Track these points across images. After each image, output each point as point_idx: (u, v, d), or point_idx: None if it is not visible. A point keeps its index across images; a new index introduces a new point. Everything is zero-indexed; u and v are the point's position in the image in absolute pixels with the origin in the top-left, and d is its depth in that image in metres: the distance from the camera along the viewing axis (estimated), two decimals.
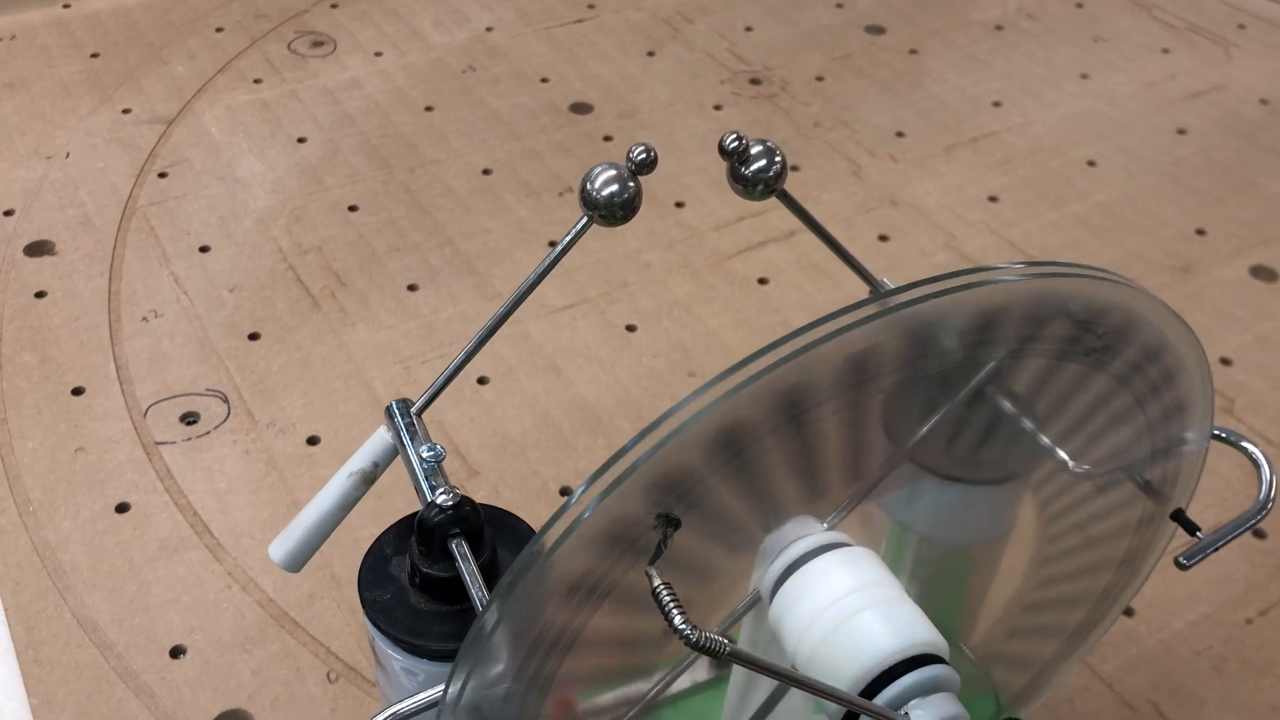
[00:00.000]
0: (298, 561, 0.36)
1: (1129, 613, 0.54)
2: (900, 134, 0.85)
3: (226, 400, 0.62)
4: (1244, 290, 0.73)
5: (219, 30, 0.91)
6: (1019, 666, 0.41)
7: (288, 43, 0.90)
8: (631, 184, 0.32)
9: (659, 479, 0.25)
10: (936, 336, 0.28)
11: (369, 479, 0.35)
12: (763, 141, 0.34)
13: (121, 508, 0.56)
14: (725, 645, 0.24)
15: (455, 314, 0.68)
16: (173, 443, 0.59)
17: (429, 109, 0.84)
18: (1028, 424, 0.33)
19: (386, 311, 0.68)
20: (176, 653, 0.50)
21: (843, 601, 0.30)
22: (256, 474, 0.58)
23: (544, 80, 0.88)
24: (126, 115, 0.82)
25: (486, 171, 0.79)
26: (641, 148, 0.32)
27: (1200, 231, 0.78)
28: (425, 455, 0.32)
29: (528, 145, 0.81)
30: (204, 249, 0.71)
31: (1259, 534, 0.58)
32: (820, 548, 0.31)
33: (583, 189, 0.32)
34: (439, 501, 0.30)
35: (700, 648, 0.24)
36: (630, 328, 0.67)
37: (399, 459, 0.34)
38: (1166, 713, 0.50)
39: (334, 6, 0.95)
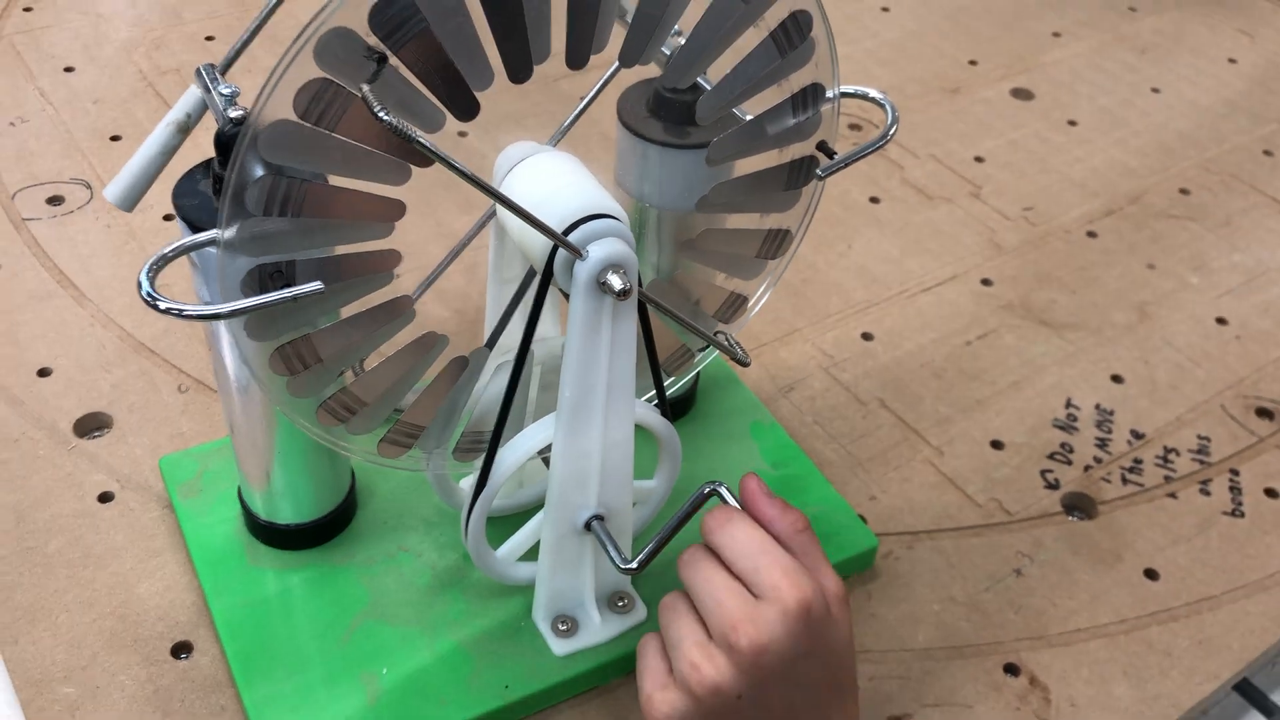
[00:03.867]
0: (129, 200, 0.43)
1: (868, 336, 0.65)
2: None
3: (90, 187, 0.69)
4: (1003, 106, 0.84)
5: None
6: (730, 262, 0.49)
7: None
8: None
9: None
10: None
11: (184, 128, 0.42)
12: None
13: None
14: (414, 132, 0.33)
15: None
16: (39, 219, 0.66)
17: None
18: (721, 91, 0.42)
19: None
20: (43, 373, 0.58)
21: (547, 182, 0.39)
22: (117, 242, 0.66)
23: None
24: None
25: None
26: None
27: (973, 62, 0.88)
28: (225, 93, 0.40)
29: None
30: (68, 69, 0.78)
31: (986, 282, 0.69)
32: (534, 152, 0.40)
33: None
34: (233, 116, 0.39)
35: (394, 128, 0.32)
36: None
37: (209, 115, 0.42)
38: (890, 405, 0.61)
39: None
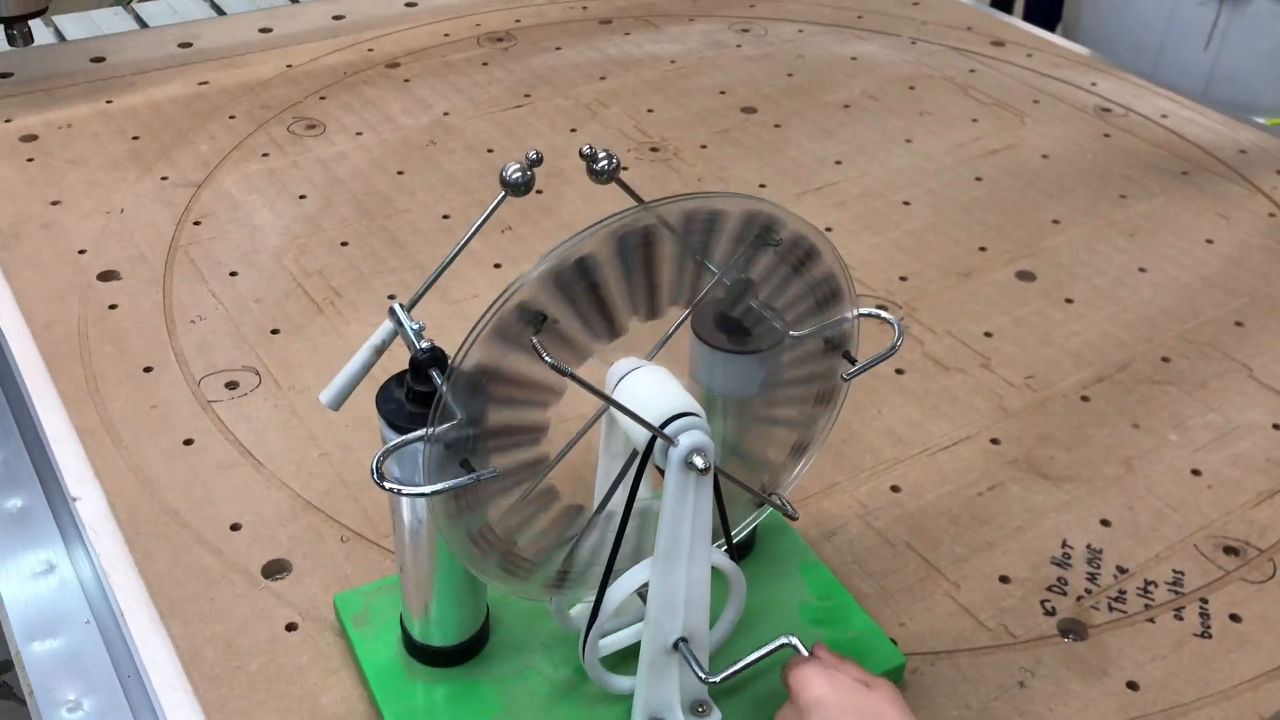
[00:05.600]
0: (338, 403, 0.59)
1: (896, 488, 0.78)
2: (762, 184, 1.11)
3: (259, 373, 0.85)
4: (1009, 288, 0.99)
5: (232, 118, 1.16)
6: (765, 466, 0.63)
7: (287, 126, 1.15)
8: (529, 172, 0.56)
9: (528, 299, 0.49)
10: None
11: (379, 350, 0.58)
12: (606, 150, 0.58)
13: (188, 442, 0.79)
14: (567, 369, 0.48)
15: (424, 314, 0.91)
16: (221, 401, 0.82)
17: (400, 173, 1.09)
18: (767, 312, 0.58)
19: (372, 313, 0.91)
20: (234, 527, 0.73)
21: (647, 389, 0.54)
22: (283, 419, 0.81)
23: (489, 151, 1.14)
24: (164, 181, 1.06)
25: (446, 216, 1.04)
26: (534, 151, 0.56)
27: (982, 248, 1.03)
28: (414, 327, 0.56)
29: (477, 198, 1.06)
30: (233, 274, 0.95)
31: (995, 441, 0.83)
32: (636, 367, 0.55)
33: (501, 176, 0.56)
34: (422, 347, 0.54)
35: (556, 367, 0.47)
36: None
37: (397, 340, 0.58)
38: (915, 547, 0.74)
39: (322, 99, 1.21)
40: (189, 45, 1.30)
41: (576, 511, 0.56)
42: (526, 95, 1.24)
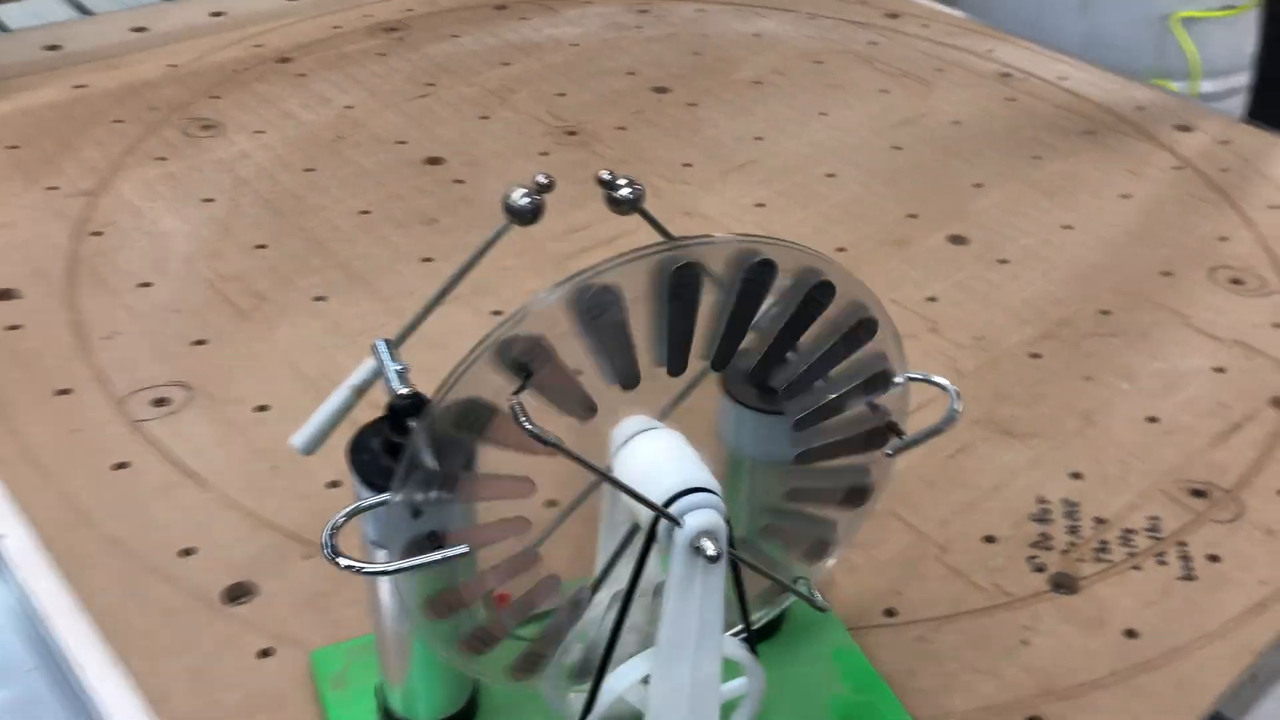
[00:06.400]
0: (312, 448, 0.54)
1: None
2: (687, 164, 1.09)
3: (189, 387, 0.79)
4: (944, 253, 0.99)
5: (118, 121, 1.09)
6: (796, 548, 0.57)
7: (181, 129, 1.09)
8: (538, 198, 0.51)
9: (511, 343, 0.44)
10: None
11: (359, 391, 0.53)
12: (628, 176, 0.51)
13: (120, 466, 0.73)
14: (556, 439, 0.43)
15: (356, 313, 0.87)
16: (150, 420, 0.76)
17: (309, 169, 1.04)
18: (800, 364, 0.53)
19: (302, 316, 0.86)
20: (187, 552, 0.67)
21: (654, 457, 0.48)
22: (222, 433, 0.76)
23: (400, 142, 1.09)
24: (54, 191, 0.98)
25: (364, 212, 0.99)
26: (544, 174, 0.51)
27: (912, 216, 1.04)
28: (396, 368, 0.51)
29: (393, 190, 1.02)
30: (145, 285, 0.88)
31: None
32: (646, 428, 0.49)
33: (504, 201, 0.49)
34: (402, 393, 0.49)
35: (537, 436, 0.42)
36: (496, 312, 0.87)
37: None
38: (899, 513, 0.73)
39: (215, 98, 1.14)
40: (57, 48, 1.21)
41: (554, 583, 0.49)
42: (429, 84, 1.19)
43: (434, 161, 1.06)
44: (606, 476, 0.46)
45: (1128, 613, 0.67)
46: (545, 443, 0.43)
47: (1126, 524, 0.73)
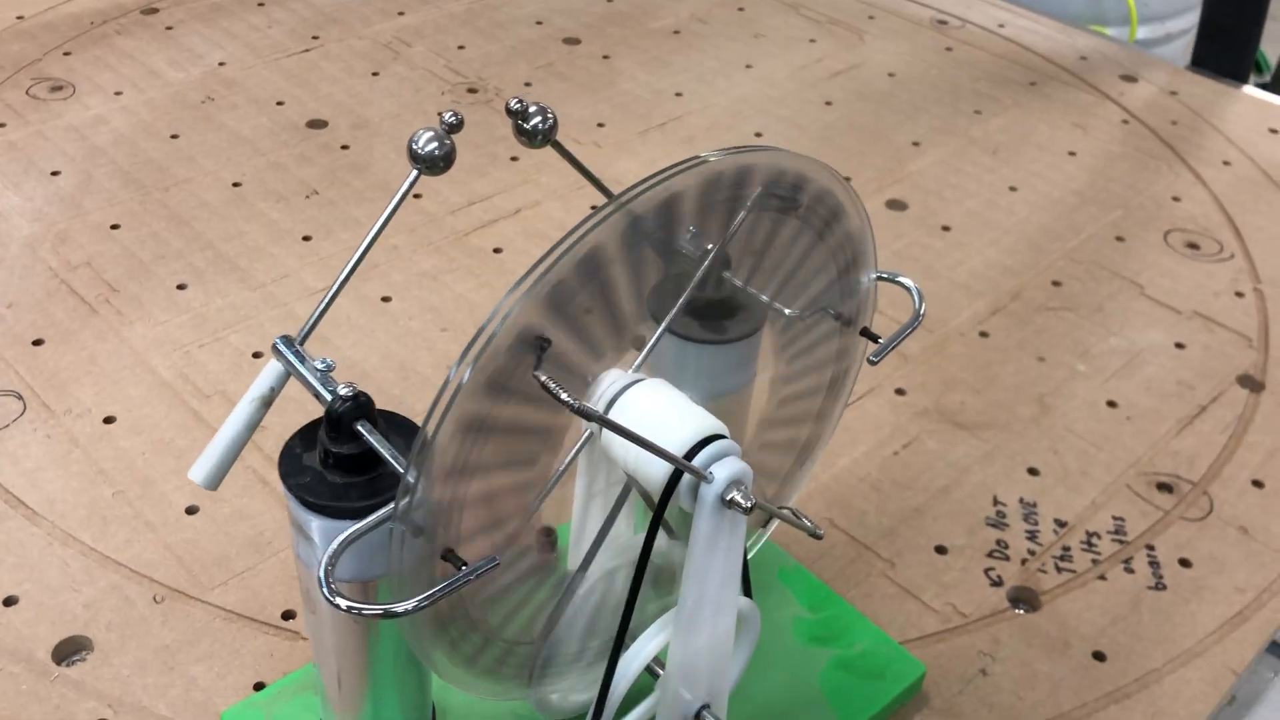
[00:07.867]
0: (215, 480, 0.44)
1: None
2: (601, 124, 0.99)
3: (21, 397, 0.68)
4: (882, 218, 0.90)
5: None
6: (768, 476, 0.53)
7: (25, 89, 0.96)
8: (448, 141, 0.42)
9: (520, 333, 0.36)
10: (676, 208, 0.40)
11: (267, 402, 0.43)
12: (537, 103, 0.45)
13: None
14: (597, 412, 0.35)
15: (225, 304, 0.76)
16: None
17: (174, 136, 0.92)
18: (754, 291, 0.46)
19: (160, 309, 0.75)
20: (9, 602, 0.57)
21: (654, 409, 0.40)
22: (61, 452, 0.65)
23: (279, 103, 0.97)
24: None
25: (236, 184, 0.87)
26: (451, 112, 0.43)
27: (846, 178, 0.95)
28: (319, 367, 0.41)
29: (272, 159, 0.90)
30: None
31: (900, 391, 0.75)
32: (632, 381, 0.41)
33: (410, 149, 0.42)
34: (341, 394, 0.39)
35: (581, 412, 0.35)
36: (385, 299, 0.77)
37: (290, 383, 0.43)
38: (838, 522, 0.65)
39: (67, 54, 1.01)
40: None
41: (539, 570, 0.43)
42: (314, 38, 1.08)
43: (317, 125, 0.95)
44: (634, 436, 0.38)
45: (1095, 630, 0.60)
46: (589, 416, 0.37)
47: (1089, 526, 0.66)
